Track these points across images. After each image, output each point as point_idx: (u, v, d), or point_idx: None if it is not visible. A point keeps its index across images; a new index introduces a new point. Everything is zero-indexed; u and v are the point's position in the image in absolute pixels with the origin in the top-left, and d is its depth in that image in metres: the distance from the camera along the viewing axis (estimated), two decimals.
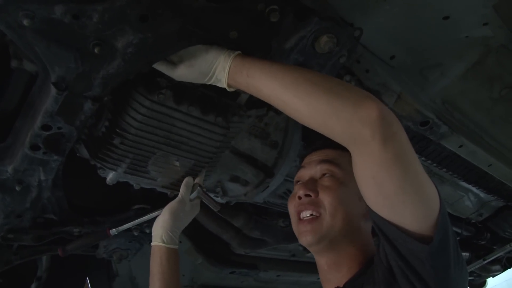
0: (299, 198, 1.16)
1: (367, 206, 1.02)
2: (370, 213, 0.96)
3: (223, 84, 1.04)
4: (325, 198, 1.13)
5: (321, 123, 0.90)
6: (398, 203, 0.88)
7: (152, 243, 1.33)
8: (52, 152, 1.21)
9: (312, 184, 1.17)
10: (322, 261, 1.15)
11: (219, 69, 1.03)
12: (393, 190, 0.86)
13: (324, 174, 1.19)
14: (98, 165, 1.34)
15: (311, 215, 1.13)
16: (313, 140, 1.59)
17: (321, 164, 1.20)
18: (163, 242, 1.30)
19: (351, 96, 0.86)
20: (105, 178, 1.39)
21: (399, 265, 0.91)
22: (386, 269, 0.95)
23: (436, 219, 0.87)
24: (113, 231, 1.42)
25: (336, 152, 1.22)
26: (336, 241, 1.11)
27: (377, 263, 0.99)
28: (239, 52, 1.04)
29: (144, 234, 1.77)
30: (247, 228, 2.09)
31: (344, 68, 1.46)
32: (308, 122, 0.93)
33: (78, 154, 1.37)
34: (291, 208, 1.20)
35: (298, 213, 1.16)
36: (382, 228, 0.93)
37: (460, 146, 1.82)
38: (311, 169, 1.22)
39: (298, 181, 1.25)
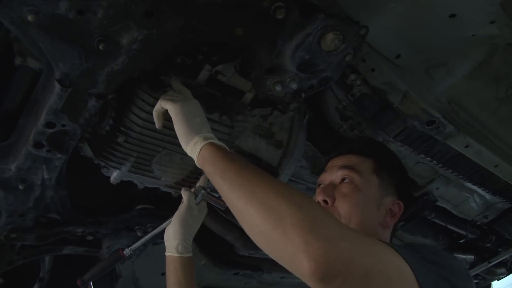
0: (318, 203, 1.18)
1: (386, 215, 1.14)
2: None
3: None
4: (341, 206, 1.15)
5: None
6: None
7: (166, 253, 1.32)
8: (55, 150, 1.20)
9: (331, 190, 1.19)
10: None
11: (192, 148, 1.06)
12: None
13: (343, 179, 1.20)
14: (102, 163, 1.34)
15: None
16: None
17: (341, 169, 1.22)
18: (178, 252, 1.29)
19: (290, 248, 0.74)
20: (109, 177, 1.38)
21: None
22: None
23: None
24: (127, 251, 1.40)
25: (359, 158, 1.24)
26: None
27: None
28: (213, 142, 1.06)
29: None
30: None
31: (350, 67, 1.46)
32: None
33: (81, 153, 1.36)
34: None
35: None
36: None
37: (466, 146, 1.80)
38: (332, 174, 1.24)
39: (320, 184, 1.28)
